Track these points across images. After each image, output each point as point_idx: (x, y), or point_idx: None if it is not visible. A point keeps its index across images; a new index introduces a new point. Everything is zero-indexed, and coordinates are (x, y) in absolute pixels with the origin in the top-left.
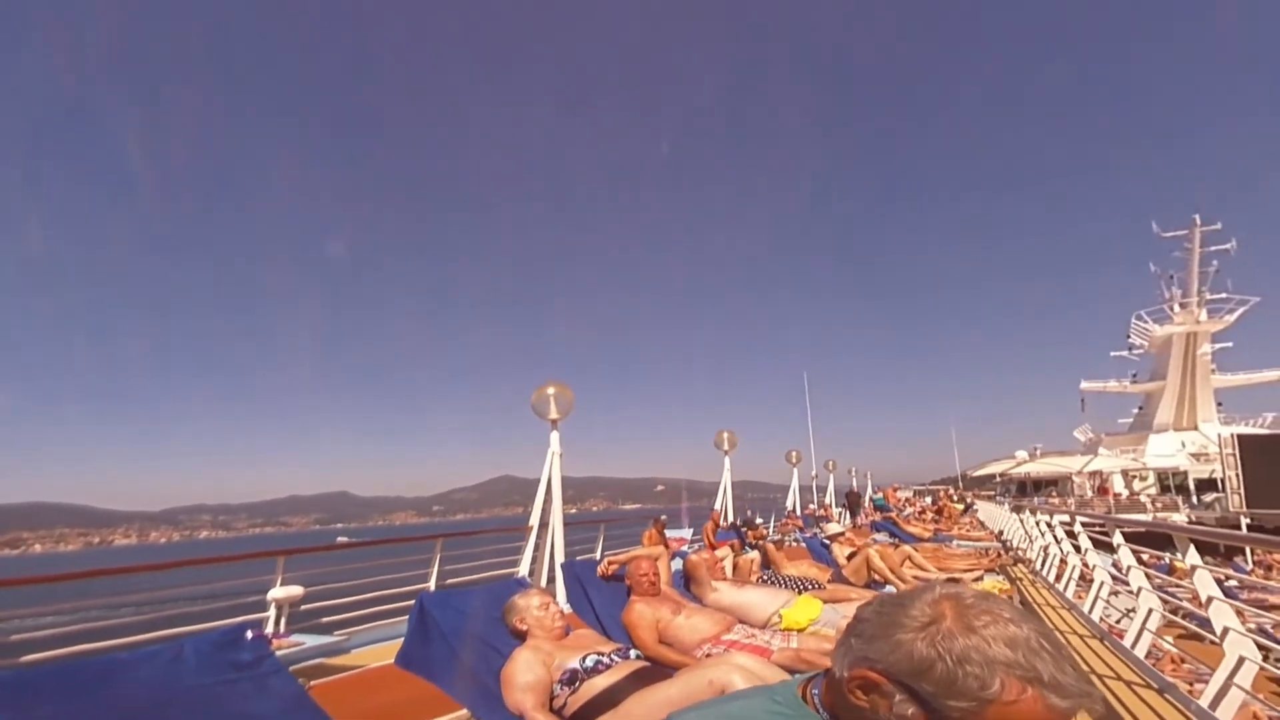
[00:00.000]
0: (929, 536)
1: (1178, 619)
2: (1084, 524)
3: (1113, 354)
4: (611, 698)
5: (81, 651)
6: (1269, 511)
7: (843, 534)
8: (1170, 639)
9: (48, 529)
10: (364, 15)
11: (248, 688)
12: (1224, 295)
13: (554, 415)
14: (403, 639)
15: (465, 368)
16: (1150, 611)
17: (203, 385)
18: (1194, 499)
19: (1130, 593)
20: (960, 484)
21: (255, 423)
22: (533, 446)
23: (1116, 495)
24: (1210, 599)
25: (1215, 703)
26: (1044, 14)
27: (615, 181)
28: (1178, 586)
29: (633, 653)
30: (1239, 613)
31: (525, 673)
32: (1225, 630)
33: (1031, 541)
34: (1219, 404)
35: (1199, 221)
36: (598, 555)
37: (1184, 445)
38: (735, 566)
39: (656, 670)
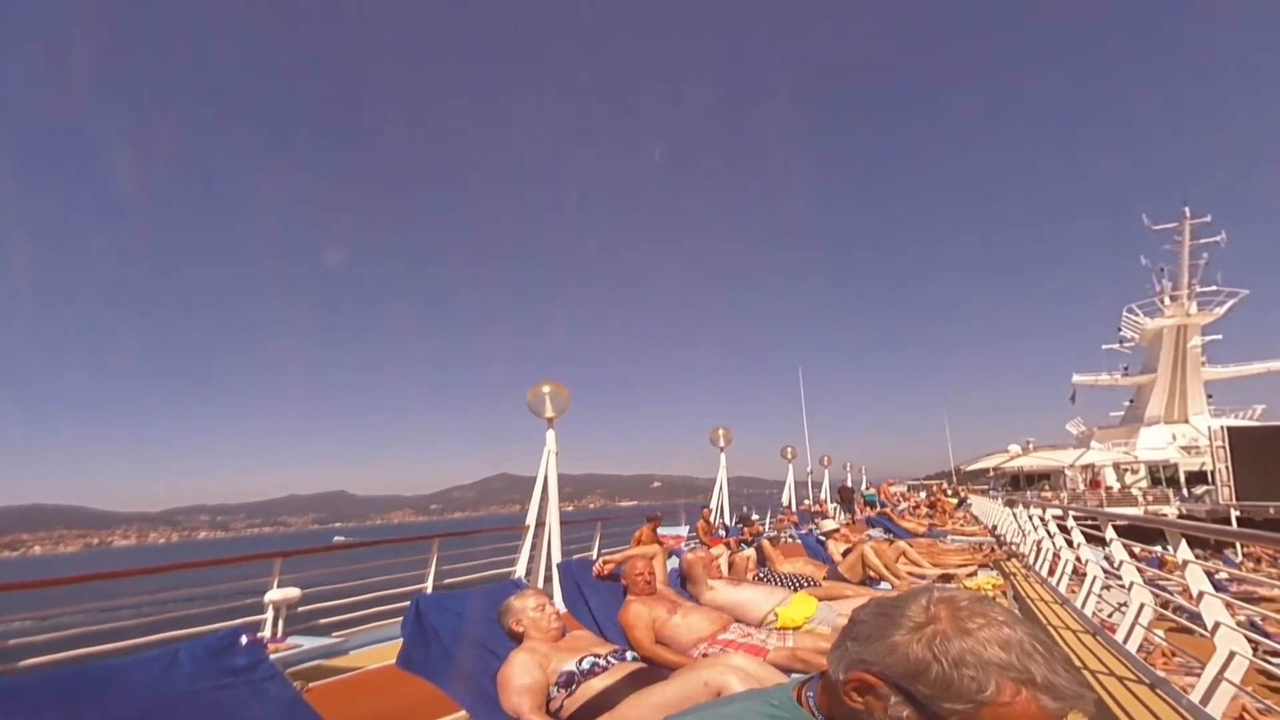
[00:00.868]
0: (923, 532)
1: (1169, 613)
2: (1076, 518)
3: (1104, 347)
4: (608, 700)
5: (78, 656)
6: (1259, 504)
7: (838, 530)
8: (1162, 633)
9: (47, 530)
10: (358, 17)
11: (244, 693)
12: (1214, 288)
13: (550, 414)
14: (401, 641)
15: (462, 366)
16: (1142, 606)
17: (200, 386)
18: (1184, 492)
19: (1122, 587)
20: (954, 478)
21: (253, 423)
22: (530, 444)
23: (1108, 488)
24: (1201, 593)
25: (1206, 697)
26: (1034, 9)
27: (609, 180)
28: (1169, 580)
29: (629, 654)
30: (1229, 606)
31: (522, 675)
32: (1216, 624)
33: (1025, 536)
34: (1209, 396)
35: (1189, 214)
36: (594, 554)
37: (1175, 438)
38: (731, 565)
39: (653, 671)
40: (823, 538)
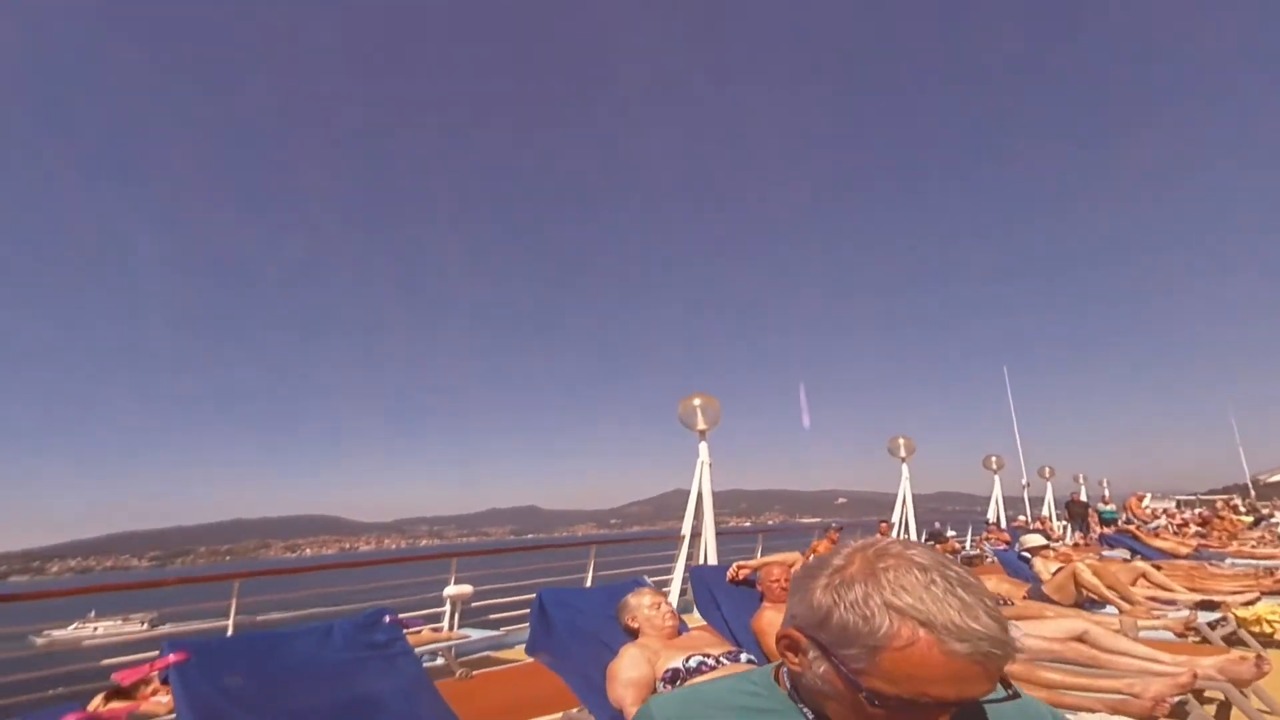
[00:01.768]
0: (1187, 553)
1: None
2: None
3: None
4: None
5: (266, 622)
6: None
7: (1045, 547)
8: None
9: (315, 536)
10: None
11: (379, 665)
12: None
13: (701, 426)
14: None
15: (646, 386)
16: None
17: (419, 414)
18: None
19: None
20: (1251, 492)
21: (464, 444)
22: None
23: None
24: None
25: None
26: None
27: (780, 183)
28: None
29: (744, 656)
30: None
31: (629, 669)
32: None
33: None
34: None
35: None
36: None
37: None
38: None
39: None
40: (1026, 555)
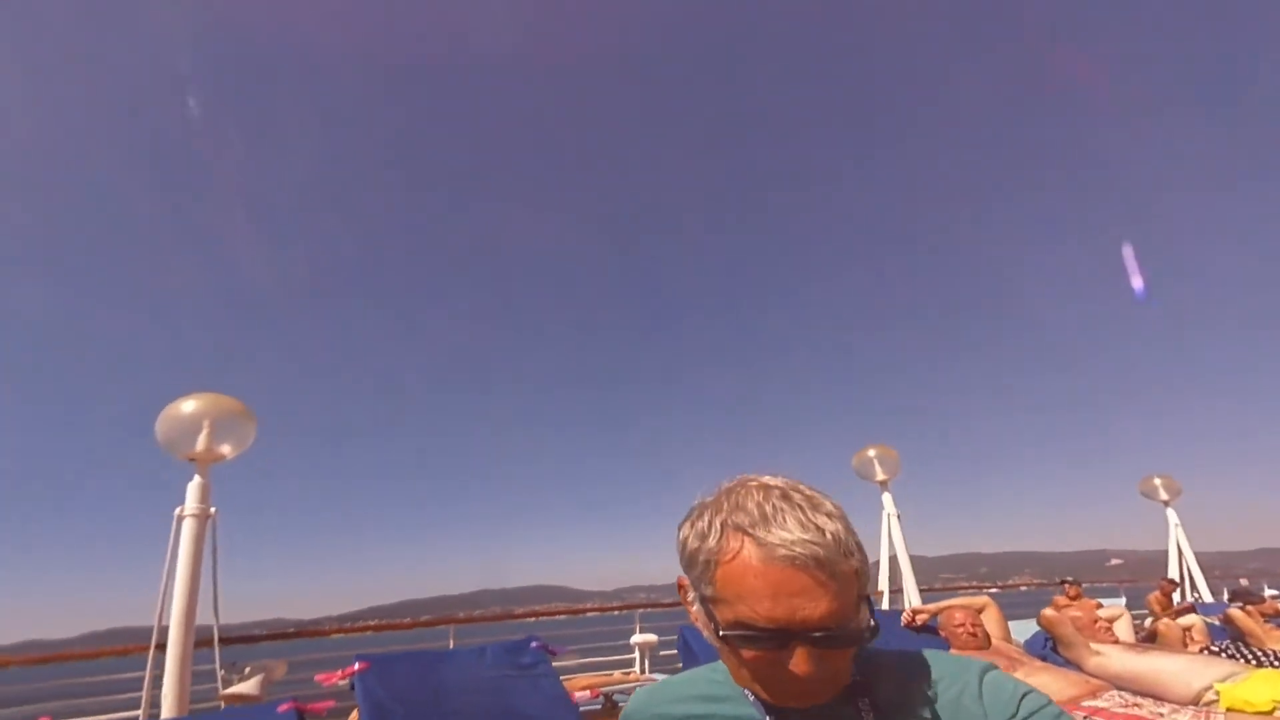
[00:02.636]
0: None
1: None
2: None
3: None
4: None
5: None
6: None
7: None
8: None
9: (547, 604)
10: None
11: (524, 684)
12: None
13: (881, 476)
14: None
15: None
16: None
17: (631, 485)
18: None
19: None
20: None
21: (667, 511)
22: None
23: None
24: None
25: None
26: None
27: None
28: None
29: None
30: None
31: None
32: None
33: None
34: None
35: None
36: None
37: None
38: (1156, 633)
39: None
40: None
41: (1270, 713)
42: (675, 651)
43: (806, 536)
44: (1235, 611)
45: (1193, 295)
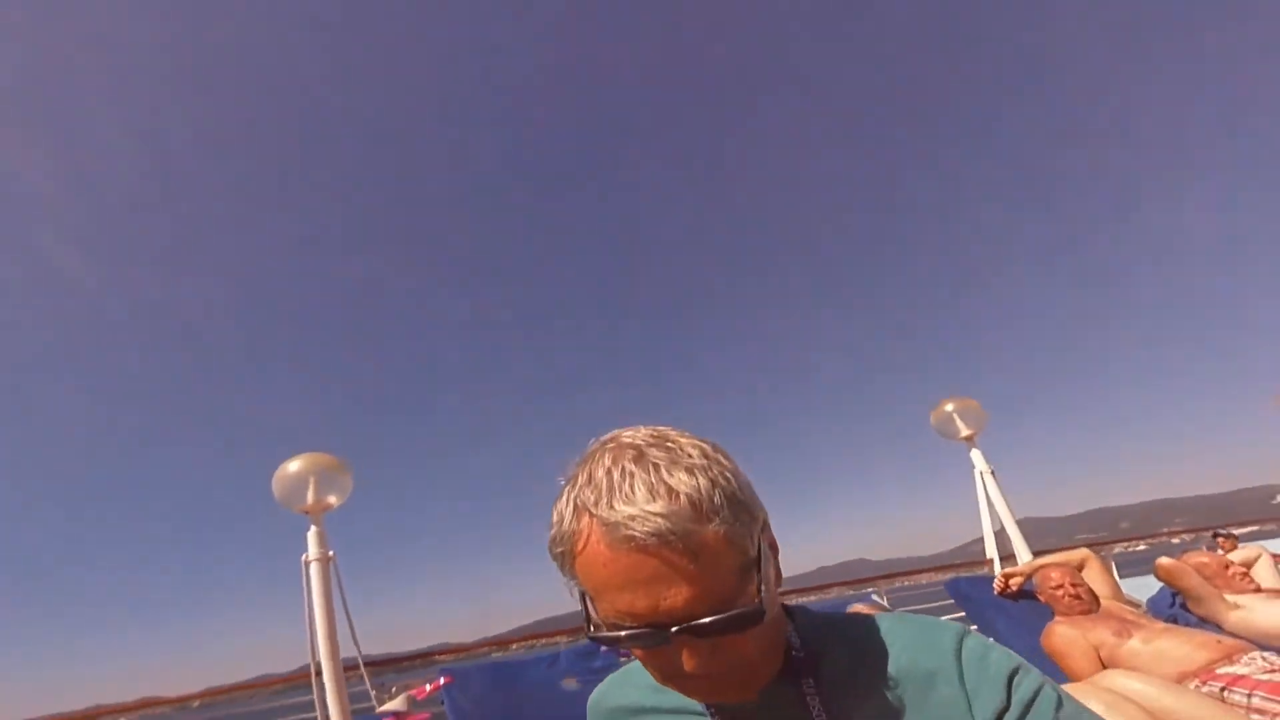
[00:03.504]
0: None
1: None
2: None
3: None
4: None
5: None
6: None
7: None
8: None
9: None
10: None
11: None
12: None
13: (965, 432)
14: None
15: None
16: None
17: None
18: None
19: None
20: None
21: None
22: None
23: None
24: None
25: None
26: None
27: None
28: None
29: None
30: None
31: None
32: None
33: None
34: None
35: None
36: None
37: None
38: None
39: None
40: None
41: None
42: None
43: (651, 508)
44: None
45: None
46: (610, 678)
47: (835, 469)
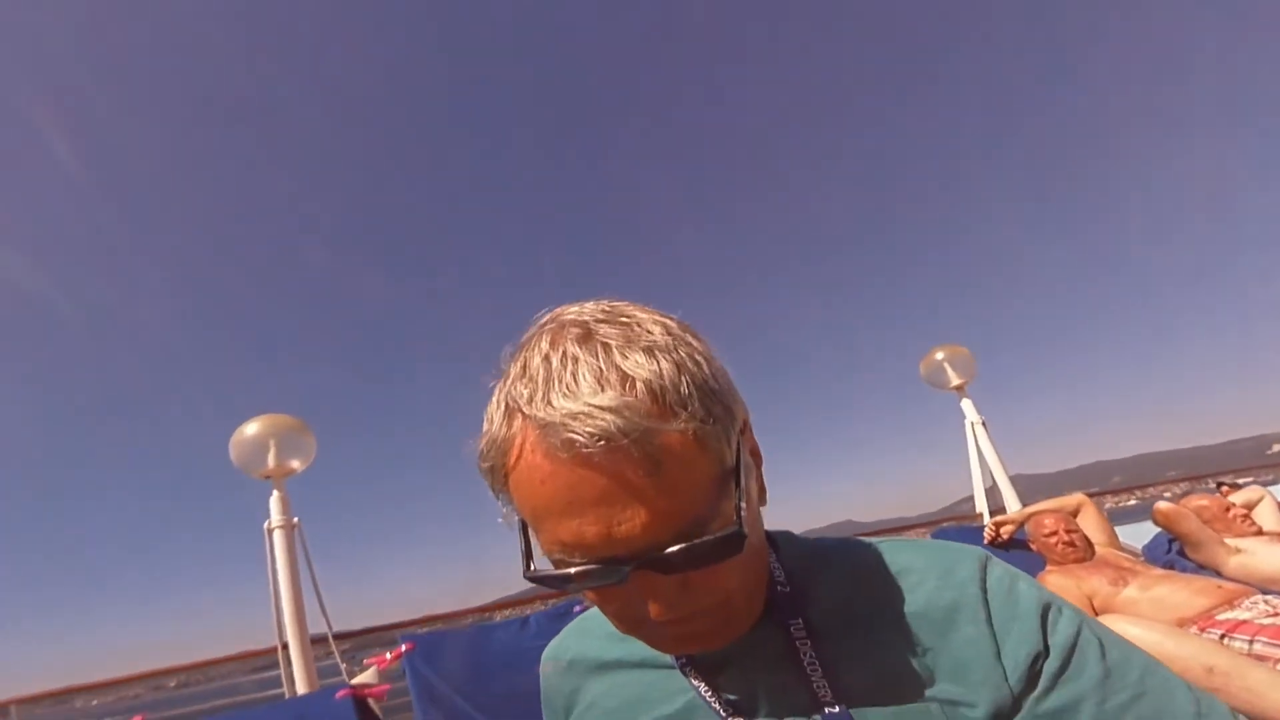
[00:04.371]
0: None
1: None
2: None
3: None
4: None
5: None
6: None
7: None
8: None
9: None
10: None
11: None
12: None
13: (956, 381)
14: None
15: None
16: None
17: None
18: None
19: None
20: None
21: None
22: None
23: None
24: None
25: None
26: None
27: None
28: None
29: None
30: None
31: None
32: None
33: None
34: None
35: None
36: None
37: None
38: None
39: None
40: None
41: None
42: None
43: (598, 401)
44: None
45: None
46: (566, 628)
47: (821, 429)
